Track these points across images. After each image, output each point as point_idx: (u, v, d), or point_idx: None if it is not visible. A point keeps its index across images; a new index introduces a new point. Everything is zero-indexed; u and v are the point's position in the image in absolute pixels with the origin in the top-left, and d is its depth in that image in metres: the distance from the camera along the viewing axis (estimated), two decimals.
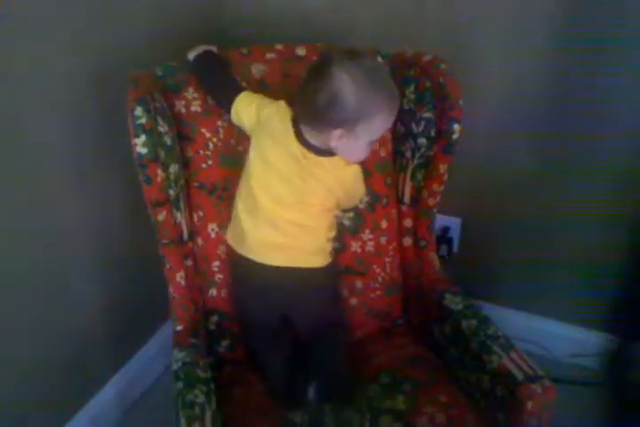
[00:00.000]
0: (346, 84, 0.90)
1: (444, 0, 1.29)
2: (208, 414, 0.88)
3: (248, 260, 1.05)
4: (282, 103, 1.04)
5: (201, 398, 0.89)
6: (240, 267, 1.09)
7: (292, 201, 1.02)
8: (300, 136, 1.00)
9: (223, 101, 1.06)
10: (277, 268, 1.04)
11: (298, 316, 1.11)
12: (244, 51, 1.13)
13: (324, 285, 1.11)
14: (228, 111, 1.06)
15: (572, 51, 1.23)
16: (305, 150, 1.00)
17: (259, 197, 1.02)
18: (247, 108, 1.04)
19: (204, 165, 1.09)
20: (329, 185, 1.02)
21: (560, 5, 1.21)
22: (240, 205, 1.06)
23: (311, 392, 1.03)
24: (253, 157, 1.03)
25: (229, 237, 1.10)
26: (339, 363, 1.09)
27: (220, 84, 1.08)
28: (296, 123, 1.00)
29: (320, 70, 0.93)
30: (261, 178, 1.02)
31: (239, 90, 1.06)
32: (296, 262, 1.05)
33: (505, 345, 1.01)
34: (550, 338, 1.51)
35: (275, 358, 1.08)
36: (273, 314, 1.10)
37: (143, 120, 0.92)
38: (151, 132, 0.94)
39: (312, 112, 0.95)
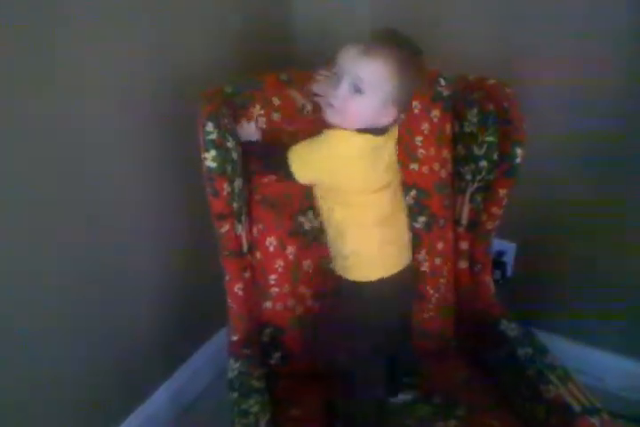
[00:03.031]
0: None
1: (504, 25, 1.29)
2: (262, 424, 0.90)
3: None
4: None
5: (255, 408, 0.91)
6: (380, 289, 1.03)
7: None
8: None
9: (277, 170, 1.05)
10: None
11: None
12: (310, 71, 1.16)
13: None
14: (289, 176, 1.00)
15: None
16: None
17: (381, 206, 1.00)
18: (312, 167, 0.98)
19: (265, 180, 1.12)
20: None
21: (621, 24, 1.19)
22: (375, 231, 1.00)
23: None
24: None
25: (380, 270, 1.02)
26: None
27: (268, 158, 1.07)
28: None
29: None
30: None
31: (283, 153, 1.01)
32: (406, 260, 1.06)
33: (562, 376, 1.00)
34: (608, 371, 1.46)
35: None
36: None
37: (214, 136, 0.96)
38: (220, 147, 0.97)
39: None
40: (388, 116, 0.94)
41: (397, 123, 1.00)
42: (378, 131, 0.95)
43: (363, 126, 0.93)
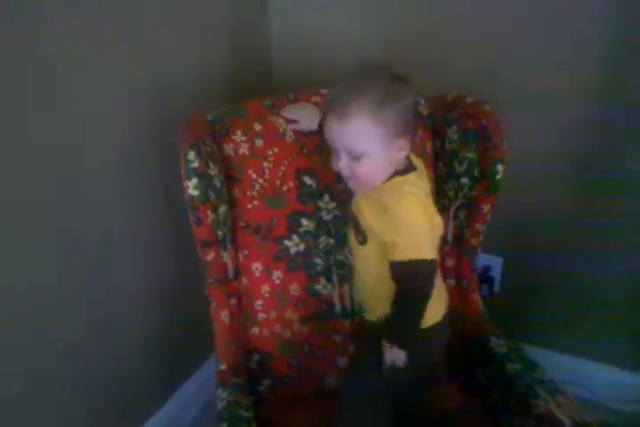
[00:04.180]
0: None
1: (479, 47, 1.31)
2: None
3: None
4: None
5: None
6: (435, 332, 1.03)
7: None
8: None
9: None
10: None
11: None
12: (291, 96, 1.17)
13: None
14: None
15: (617, 89, 1.23)
16: None
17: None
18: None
19: (249, 206, 1.12)
20: None
21: (604, 51, 1.22)
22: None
23: None
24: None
25: (438, 314, 1.03)
26: None
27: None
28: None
29: None
30: None
31: None
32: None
33: (551, 390, 1.00)
34: (598, 383, 1.47)
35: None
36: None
37: (195, 164, 0.96)
38: (203, 175, 0.97)
39: None
40: (402, 150, 0.94)
41: (412, 149, 0.99)
42: (409, 167, 0.97)
43: (389, 175, 0.95)
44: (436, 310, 1.01)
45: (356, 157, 0.92)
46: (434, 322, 1.00)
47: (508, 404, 1.05)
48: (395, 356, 0.95)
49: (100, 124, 1.10)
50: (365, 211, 0.98)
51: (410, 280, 0.91)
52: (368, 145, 0.91)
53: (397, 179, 0.95)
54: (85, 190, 1.10)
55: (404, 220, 0.90)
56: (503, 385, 1.07)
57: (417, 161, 1.03)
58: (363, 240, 1.00)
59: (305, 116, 1.13)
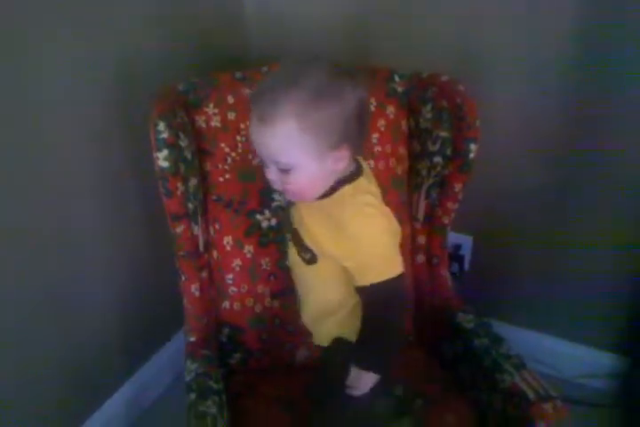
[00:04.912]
0: None
1: (460, 23, 1.31)
2: (220, 425, 0.89)
3: None
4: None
5: (213, 410, 0.90)
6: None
7: None
8: None
9: None
10: None
11: None
12: (264, 68, 1.15)
13: None
14: None
15: (587, 67, 1.24)
16: None
17: None
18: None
19: (221, 179, 1.11)
20: None
21: (576, 25, 1.22)
22: None
23: None
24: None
25: None
26: None
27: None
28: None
29: None
30: None
31: None
32: None
33: (517, 364, 1.02)
34: (561, 358, 1.50)
35: None
36: None
37: (165, 135, 0.94)
38: (173, 146, 0.96)
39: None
40: (342, 160, 0.79)
41: (359, 154, 0.86)
42: (356, 171, 0.84)
43: (329, 186, 0.81)
44: None
45: (284, 170, 0.77)
46: None
47: (476, 378, 1.07)
48: (367, 381, 0.85)
49: (64, 100, 1.07)
50: (313, 227, 0.84)
51: (387, 301, 0.81)
52: (295, 157, 0.76)
53: (347, 189, 0.81)
54: (53, 163, 1.08)
55: (367, 240, 0.79)
56: (470, 360, 1.09)
57: (363, 162, 0.90)
58: (311, 259, 0.86)
59: None
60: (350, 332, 0.88)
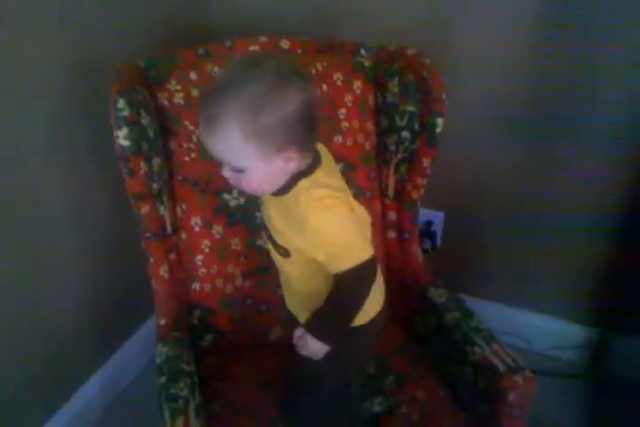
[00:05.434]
0: None
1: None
2: (192, 407, 0.88)
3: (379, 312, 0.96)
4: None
5: (185, 392, 0.89)
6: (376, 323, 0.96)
7: None
8: None
9: None
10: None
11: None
12: (228, 44, 1.12)
13: None
14: None
15: (554, 42, 1.24)
16: None
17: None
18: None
19: (187, 159, 1.09)
20: None
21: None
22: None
23: None
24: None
25: (379, 305, 0.96)
26: None
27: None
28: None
29: None
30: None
31: None
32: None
33: (487, 337, 1.03)
34: (532, 331, 1.53)
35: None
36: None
37: (126, 113, 0.91)
38: (134, 124, 0.93)
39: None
40: (290, 160, 0.79)
41: (310, 151, 0.84)
42: (313, 163, 0.84)
43: (285, 180, 0.82)
44: (374, 306, 0.94)
45: (237, 171, 0.79)
46: (370, 318, 0.94)
47: (447, 352, 1.08)
48: (315, 350, 0.87)
49: (21, 79, 1.04)
50: (278, 223, 0.86)
51: (354, 282, 0.84)
52: (242, 161, 0.78)
53: (303, 183, 0.82)
54: (13, 146, 1.05)
55: (329, 231, 0.80)
56: (441, 334, 1.09)
57: (322, 149, 0.89)
58: (285, 253, 0.89)
59: None
60: None
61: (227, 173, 0.82)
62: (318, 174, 0.83)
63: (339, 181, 0.89)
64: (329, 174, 0.86)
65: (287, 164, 0.79)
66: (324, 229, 0.80)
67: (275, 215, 0.87)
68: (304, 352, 0.89)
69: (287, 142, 0.77)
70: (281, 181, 0.82)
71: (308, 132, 0.80)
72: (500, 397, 0.94)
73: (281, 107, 0.74)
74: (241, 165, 0.79)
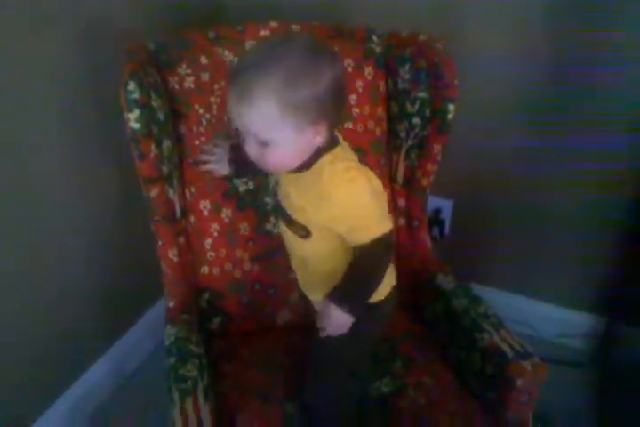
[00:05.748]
0: None
1: None
2: (200, 388, 0.89)
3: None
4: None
5: (193, 373, 0.90)
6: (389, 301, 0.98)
7: None
8: None
9: None
10: None
11: None
12: (239, 28, 1.12)
13: None
14: None
15: (571, 32, 1.22)
16: None
17: None
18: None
19: (197, 142, 1.09)
20: None
21: None
22: None
23: None
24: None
25: (392, 280, 0.98)
26: None
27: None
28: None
29: None
30: None
31: None
32: None
33: (495, 324, 1.03)
34: (539, 319, 1.53)
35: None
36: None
37: (136, 95, 0.91)
38: (144, 107, 0.93)
39: None
40: (318, 134, 0.80)
41: (337, 127, 0.87)
42: (333, 142, 0.85)
43: (306, 158, 0.83)
44: (389, 281, 0.96)
45: (263, 144, 0.79)
46: (384, 296, 0.95)
47: (455, 338, 1.08)
48: (339, 323, 0.86)
49: (29, 64, 1.04)
50: (298, 199, 0.87)
51: (375, 253, 0.86)
52: (275, 133, 0.78)
53: (326, 157, 0.83)
54: (25, 131, 1.06)
55: (353, 204, 0.82)
56: (449, 320, 1.09)
57: (337, 134, 0.90)
58: (305, 234, 0.89)
59: (214, 162, 1.06)
60: None
61: (250, 148, 0.81)
62: (338, 150, 0.85)
63: (355, 158, 0.90)
64: (346, 151, 0.88)
65: (314, 138, 0.80)
66: (348, 202, 0.82)
67: (294, 193, 0.88)
68: (328, 328, 0.87)
69: (319, 115, 0.78)
70: (304, 157, 0.83)
71: (337, 107, 0.81)
72: (508, 383, 0.94)
73: (315, 80, 0.76)
74: (271, 137, 0.79)
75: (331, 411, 1.00)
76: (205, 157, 1.07)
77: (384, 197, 0.94)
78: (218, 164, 1.06)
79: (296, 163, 0.83)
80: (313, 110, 0.77)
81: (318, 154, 0.83)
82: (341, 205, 0.82)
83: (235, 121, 0.80)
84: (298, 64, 0.75)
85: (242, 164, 0.97)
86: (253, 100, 0.75)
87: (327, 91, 0.77)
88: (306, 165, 0.84)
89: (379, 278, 0.88)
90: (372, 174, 0.88)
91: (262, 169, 0.86)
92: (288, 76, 0.74)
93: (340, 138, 0.90)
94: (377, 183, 0.89)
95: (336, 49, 0.83)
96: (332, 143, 0.85)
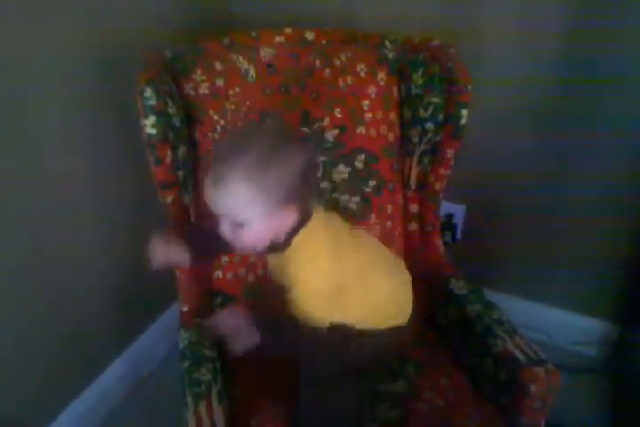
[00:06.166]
0: None
1: None
2: (214, 392, 0.89)
3: None
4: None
5: (207, 377, 0.91)
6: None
7: None
8: None
9: None
10: None
11: None
12: (254, 34, 1.13)
13: None
14: None
15: (583, 29, 1.22)
16: None
17: None
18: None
19: (211, 148, 1.09)
20: None
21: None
22: None
23: None
24: None
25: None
26: None
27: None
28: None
29: None
30: None
31: None
32: None
33: (509, 330, 1.02)
34: (552, 325, 1.52)
35: None
36: None
37: (153, 101, 0.93)
38: (160, 113, 0.94)
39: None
40: (288, 217, 0.85)
41: (308, 209, 0.89)
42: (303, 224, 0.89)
43: (281, 237, 0.87)
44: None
45: (237, 225, 0.84)
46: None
47: (468, 343, 1.08)
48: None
49: (47, 70, 1.05)
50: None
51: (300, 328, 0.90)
52: (245, 215, 0.83)
53: (301, 236, 0.88)
54: (42, 133, 1.07)
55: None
56: (463, 325, 1.09)
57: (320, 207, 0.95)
58: None
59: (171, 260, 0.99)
60: None
61: (225, 228, 0.85)
62: (315, 223, 0.89)
63: (338, 227, 0.95)
64: (330, 219, 0.94)
65: (285, 220, 0.85)
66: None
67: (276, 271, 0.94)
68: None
69: (288, 198, 0.83)
70: (277, 236, 0.87)
71: (306, 189, 0.86)
72: (522, 389, 0.94)
73: (283, 166, 0.81)
74: (244, 219, 0.83)
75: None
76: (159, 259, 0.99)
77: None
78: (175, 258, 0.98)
79: (266, 243, 0.87)
80: (282, 194, 0.81)
81: (291, 234, 0.88)
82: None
83: (212, 204, 0.84)
84: (265, 153, 0.80)
85: (201, 249, 0.98)
86: (226, 185, 0.80)
87: (297, 174, 0.82)
88: (281, 246, 0.88)
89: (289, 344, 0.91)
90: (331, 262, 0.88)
91: (228, 249, 0.90)
92: (260, 161, 0.79)
93: (320, 215, 0.92)
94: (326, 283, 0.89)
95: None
96: (302, 224, 0.88)
